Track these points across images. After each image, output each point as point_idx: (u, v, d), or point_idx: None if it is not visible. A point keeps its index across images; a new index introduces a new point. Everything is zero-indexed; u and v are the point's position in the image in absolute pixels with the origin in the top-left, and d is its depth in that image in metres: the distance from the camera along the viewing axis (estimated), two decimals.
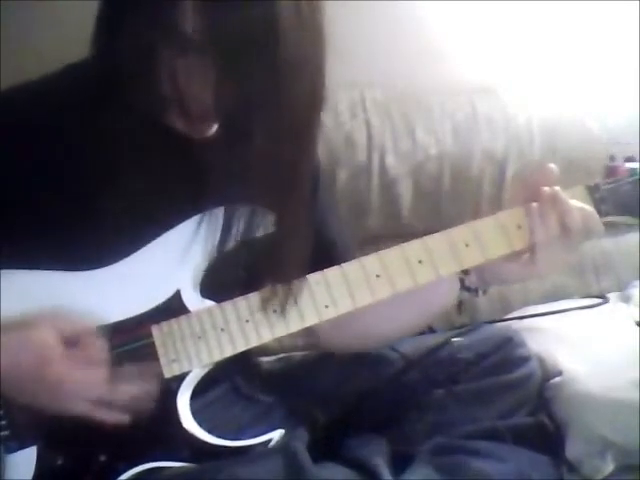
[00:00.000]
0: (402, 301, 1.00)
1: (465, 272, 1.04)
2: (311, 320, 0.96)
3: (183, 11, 0.79)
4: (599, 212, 1.00)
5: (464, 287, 1.05)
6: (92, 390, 0.87)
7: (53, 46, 1.31)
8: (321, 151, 1.48)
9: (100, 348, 0.88)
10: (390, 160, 1.56)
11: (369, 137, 1.55)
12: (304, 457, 0.96)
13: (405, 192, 1.58)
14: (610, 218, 1.02)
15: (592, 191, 1.01)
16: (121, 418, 0.87)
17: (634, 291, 1.60)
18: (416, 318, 1.12)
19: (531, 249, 0.98)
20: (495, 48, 1.74)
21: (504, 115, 1.63)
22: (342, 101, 1.56)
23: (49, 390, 0.86)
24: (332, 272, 0.97)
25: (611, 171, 1.05)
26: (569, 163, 1.60)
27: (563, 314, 1.46)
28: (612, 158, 1.06)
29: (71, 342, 0.87)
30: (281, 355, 1.42)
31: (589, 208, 0.98)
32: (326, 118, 1.52)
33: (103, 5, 0.86)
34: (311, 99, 0.87)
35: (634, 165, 1.04)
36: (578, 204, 0.98)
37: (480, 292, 1.06)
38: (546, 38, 1.75)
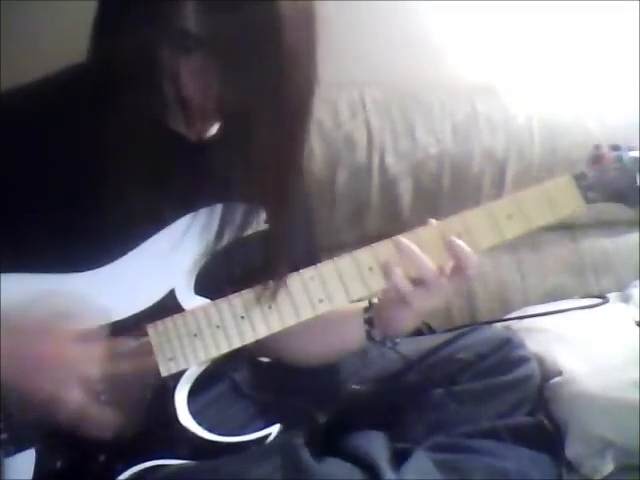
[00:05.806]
0: (311, 336, 1.04)
1: (370, 324, 1.05)
2: (306, 314, 0.96)
3: (185, 11, 0.79)
4: (586, 200, 1.01)
5: (370, 338, 1.06)
6: (86, 368, 0.84)
7: (53, 46, 1.31)
8: (321, 151, 1.50)
9: (93, 327, 0.87)
10: (390, 160, 1.56)
11: (369, 137, 1.55)
12: (304, 453, 0.96)
13: (405, 192, 1.58)
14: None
15: (578, 179, 1.02)
16: (113, 417, 0.85)
17: (634, 291, 1.60)
18: (322, 354, 1.13)
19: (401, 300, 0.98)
20: (495, 48, 1.74)
21: (504, 115, 1.63)
22: (342, 101, 1.55)
23: (44, 371, 0.83)
24: (326, 266, 0.97)
25: (596, 159, 1.04)
26: (569, 163, 1.60)
27: (563, 314, 1.46)
28: (597, 147, 1.05)
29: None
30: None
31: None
32: (326, 118, 1.52)
33: (101, 7, 0.86)
34: (305, 90, 0.88)
35: (619, 153, 1.04)
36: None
37: (389, 343, 1.06)
38: (546, 38, 1.75)
